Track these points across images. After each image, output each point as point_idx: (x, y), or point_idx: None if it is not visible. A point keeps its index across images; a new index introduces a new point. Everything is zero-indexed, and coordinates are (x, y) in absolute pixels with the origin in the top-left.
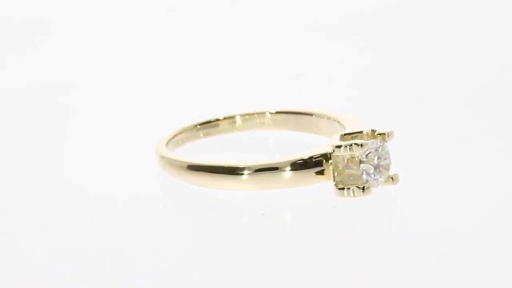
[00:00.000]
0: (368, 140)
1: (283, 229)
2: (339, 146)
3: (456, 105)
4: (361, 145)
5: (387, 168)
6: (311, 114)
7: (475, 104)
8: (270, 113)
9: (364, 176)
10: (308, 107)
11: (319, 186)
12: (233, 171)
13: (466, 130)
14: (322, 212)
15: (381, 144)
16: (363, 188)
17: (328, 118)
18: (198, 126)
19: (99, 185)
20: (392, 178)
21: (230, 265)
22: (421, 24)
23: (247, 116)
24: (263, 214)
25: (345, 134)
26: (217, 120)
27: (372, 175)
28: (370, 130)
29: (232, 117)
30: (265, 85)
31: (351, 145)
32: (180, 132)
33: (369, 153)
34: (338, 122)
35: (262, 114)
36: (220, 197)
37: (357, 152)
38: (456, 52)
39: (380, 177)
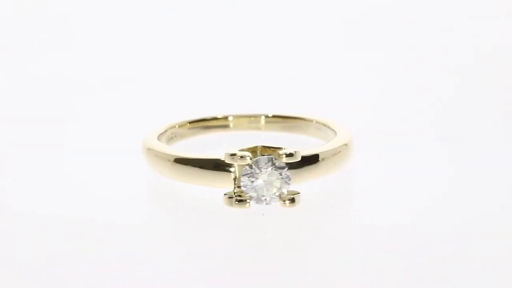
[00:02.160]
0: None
1: (279, 229)
2: (232, 154)
3: (456, 106)
4: (241, 157)
5: (278, 187)
6: (301, 118)
7: (475, 104)
8: (264, 116)
9: (245, 189)
10: (299, 112)
11: (319, 186)
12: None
13: (465, 130)
14: (321, 211)
15: (275, 162)
16: (238, 201)
17: (317, 122)
18: (189, 124)
19: (98, 185)
20: (285, 201)
21: (228, 264)
22: (420, 24)
23: (241, 117)
24: (263, 214)
25: (263, 147)
26: (212, 119)
27: (256, 191)
28: (277, 148)
29: (227, 117)
30: (264, 85)
31: (231, 154)
32: (172, 127)
33: (256, 168)
34: (328, 126)
35: (256, 116)
36: (214, 196)
37: (237, 163)
38: (455, 52)
39: (271, 195)
